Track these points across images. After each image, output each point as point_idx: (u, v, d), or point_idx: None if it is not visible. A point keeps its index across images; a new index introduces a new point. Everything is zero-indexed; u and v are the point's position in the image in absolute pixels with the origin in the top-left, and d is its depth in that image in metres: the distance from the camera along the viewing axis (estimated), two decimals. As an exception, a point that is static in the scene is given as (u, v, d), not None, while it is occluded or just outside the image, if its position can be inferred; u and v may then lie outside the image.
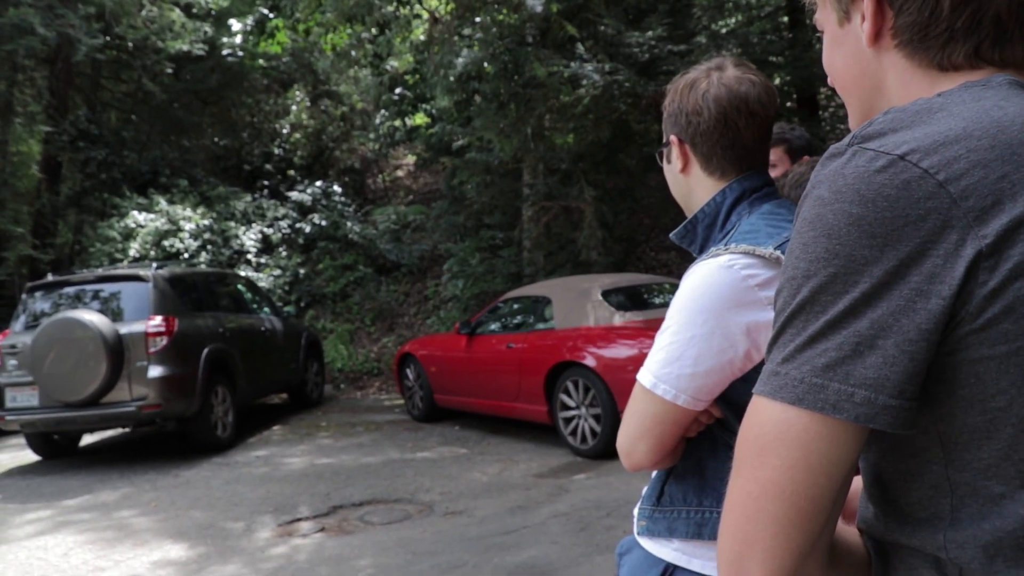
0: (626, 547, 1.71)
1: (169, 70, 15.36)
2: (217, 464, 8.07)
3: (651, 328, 7.24)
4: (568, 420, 7.53)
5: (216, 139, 18.39)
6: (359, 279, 14.87)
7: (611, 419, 7.10)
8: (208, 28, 15.06)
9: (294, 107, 19.00)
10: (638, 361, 7.01)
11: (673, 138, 1.66)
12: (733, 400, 1.50)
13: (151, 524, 6.22)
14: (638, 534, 1.64)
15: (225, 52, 15.94)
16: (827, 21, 1.01)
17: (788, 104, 11.01)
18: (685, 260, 14.34)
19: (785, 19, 11.42)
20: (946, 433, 0.84)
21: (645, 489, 1.71)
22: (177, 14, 14.46)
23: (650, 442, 1.50)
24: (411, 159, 19.77)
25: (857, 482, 1.04)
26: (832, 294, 0.81)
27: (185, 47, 14.67)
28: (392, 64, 15.67)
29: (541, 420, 7.91)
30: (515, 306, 8.83)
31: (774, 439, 0.84)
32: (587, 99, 9.03)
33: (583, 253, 10.50)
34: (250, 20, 15.30)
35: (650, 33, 9.15)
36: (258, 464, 7.97)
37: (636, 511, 1.69)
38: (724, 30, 10.50)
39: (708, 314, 1.44)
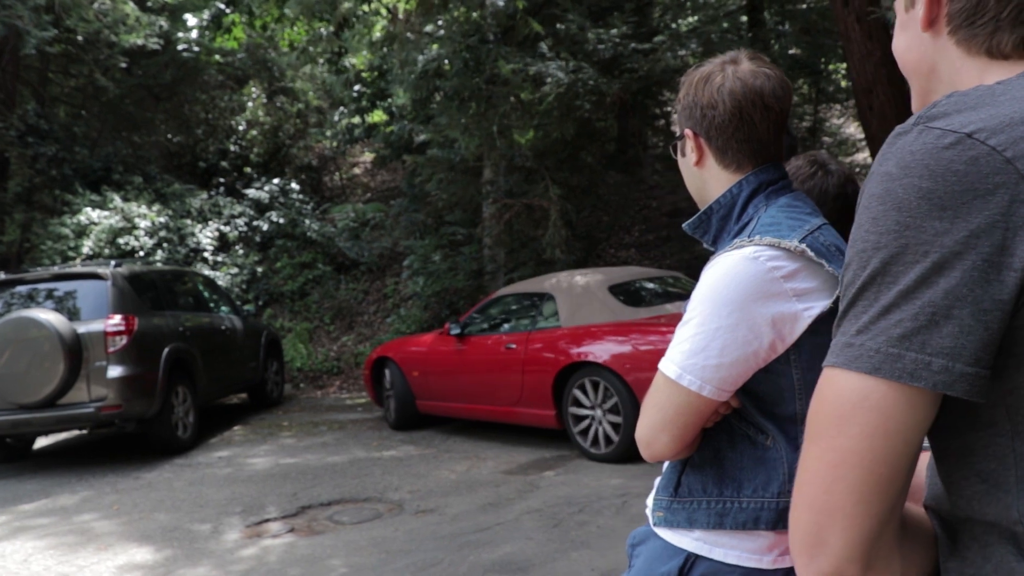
0: (640, 537, 1.71)
1: (122, 65, 15.05)
2: (179, 465, 7.93)
3: (665, 324, 6.95)
4: (580, 423, 7.14)
5: (170, 136, 18.10)
6: (318, 277, 14.74)
7: (632, 421, 6.69)
8: (163, 22, 14.80)
9: (250, 104, 18.76)
10: (659, 358, 6.79)
11: (688, 131, 1.66)
12: (752, 390, 1.51)
13: (114, 527, 6.09)
14: (655, 525, 1.64)
15: (180, 47, 15.67)
16: (899, 6, 1.05)
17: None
18: (645, 258, 14.43)
19: (744, 19, 11.53)
20: (1014, 405, 0.86)
21: (659, 480, 1.71)
22: (131, 7, 14.18)
23: (673, 432, 1.50)
24: (368, 157, 19.64)
25: (922, 460, 1.05)
26: (904, 264, 0.83)
27: (139, 41, 14.40)
28: (351, 61, 15.56)
29: (548, 425, 7.46)
30: (511, 305, 8.32)
31: (852, 408, 0.85)
32: (551, 96, 9.02)
33: (547, 251, 10.50)
34: (206, 15, 15.07)
35: (614, 31, 9.17)
36: (221, 465, 7.85)
37: (650, 502, 1.69)
38: (685, 29, 10.58)
39: (734, 305, 1.44)
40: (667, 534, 1.60)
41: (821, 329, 1.45)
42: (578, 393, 7.11)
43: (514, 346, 7.70)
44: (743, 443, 1.53)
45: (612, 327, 7.13)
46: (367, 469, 7.33)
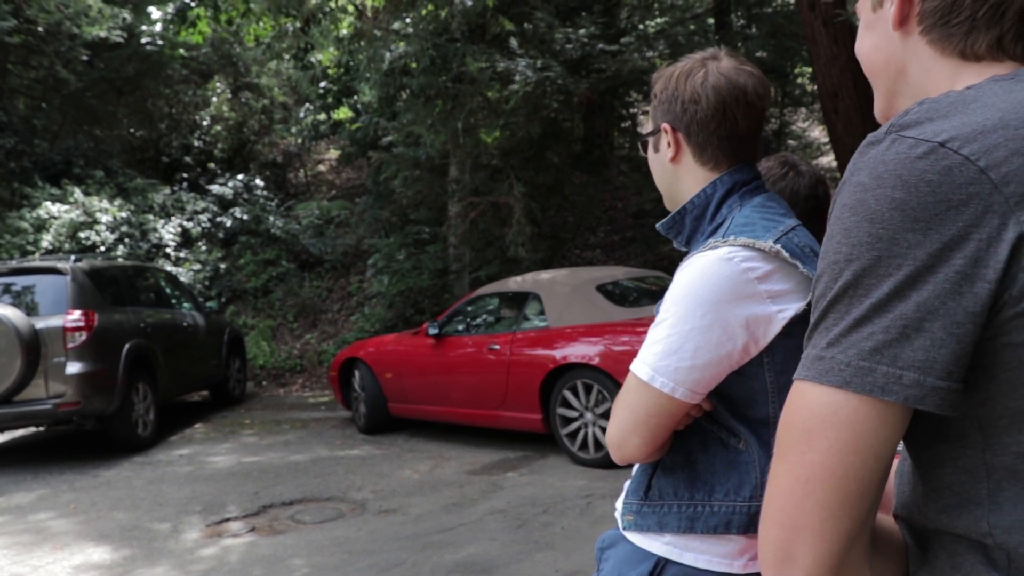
0: (609, 541, 1.70)
1: (84, 57, 14.81)
2: (139, 463, 7.82)
3: (649, 325, 6.83)
4: (568, 426, 6.91)
5: (132, 130, 17.84)
6: (281, 274, 14.61)
7: None
8: (127, 15, 14.58)
9: (214, 99, 18.55)
10: None
11: (666, 126, 1.63)
12: (725, 393, 1.50)
13: (71, 527, 5.99)
14: (624, 529, 1.62)
15: (144, 40, 15.45)
16: (863, 7, 1.03)
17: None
18: (610, 259, 14.47)
19: (711, 21, 11.60)
20: (985, 417, 0.85)
21: (628, 484, 1.69)
22: (94, -1, 13.98)
23: (644, 435, 1.49)
24: (333, 154, 19.51)
25: (892, 467, 1.04)
26: (876, 277, 0.82)
27: (102, 34, 14.18)
28: (317, 57, 15.43)
29: (534, 429, 7.22)
30: (491, 304, 8.09)
31: (822, 422, 0.84)
32: (520, 94, 9.00)
33: (511, 249, 10.48)
34: (171, 8, 14.85)
35: (583, 31, 9.18)
36: (182, 463, 7.75)
37: (620, 505, 1.67)
38: (652, 30, 10.62)
39: (708, 306, 1.43)
40: (637, 538, 1.59)
41: (795, 331, 1.44)
42: (568, 395, 6.89)
43: (498, 347, 7.44)
44: (715, 446, 1.52)
45: (604, 327, 6.91)
46: (330, 468, 7.27)
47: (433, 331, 7.98)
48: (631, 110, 13.07)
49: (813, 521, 0.84)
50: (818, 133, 15.79)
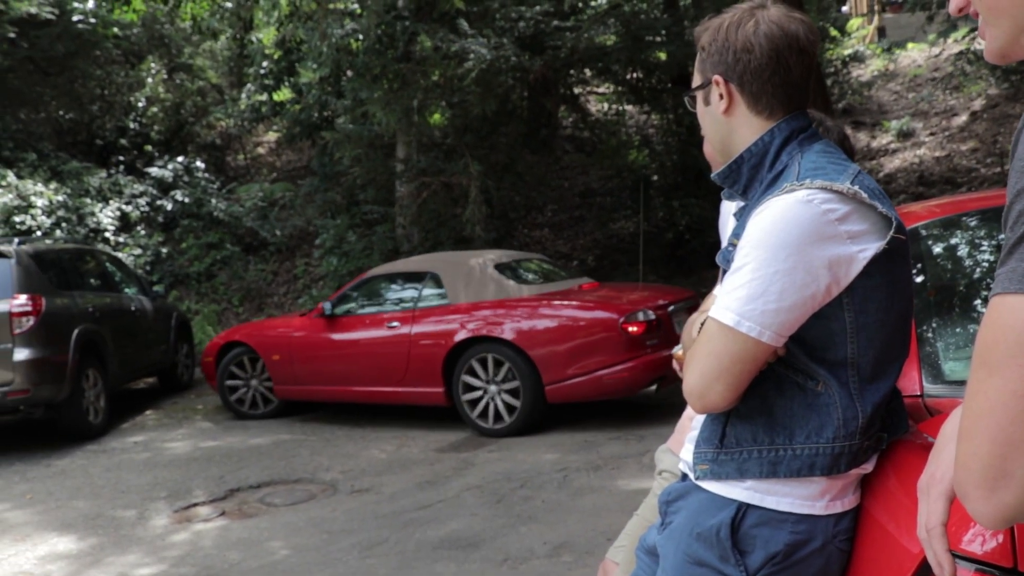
0: (677, 493, 1.67)
1: (10, 35, 14.22)
2: (92, 452, 7.59)
3: (559, 299, 7.25)
4: (473, 399, 7.16)
5: (61, 112, 17.22)
6: (225, 258, 14.28)
7: (532, 394, 6.90)
8: (58, -10, 14.06)
9: (149, 80, 18.03)
10: (556, 332, 7.08)
11: (717, 78, 1.61)
12: (801, 336, 1.49)
13: (29, 517, 5.79)
14: (698, 478, 1.60)
15: (76, 18, 14.90)
16: None
17: (669, 83, 11.22)
18: (559, 238, 14.49)
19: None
20: None
21: (695, 433, 1.67)
22: (22, -26, 13.44)
23: (728, 381, 1.47)
24: (272, 136, 19.15)
25: None
26: None
27: (32, 10, 13.65)
28: (257, 36, 15.11)
29: (436, 403, 7.46)
30: (386, 284, 8.18)
31: None
32: (475, 72, 8.91)
33: (467, 228, 10.41)
34: (105, -16, 14.40)
35: (537, 8, 9.12)
36: (138, 450, 7.55)
37: (689, 456, 1.65)
38: (604, 7, 10.60)
39: (791, 249, 1.42)
40: (714, 486, 1.57)
41: (873, 271, 1.45)
42: (472, 369, 7.14)
43: (397, 324, 7.58)
44: (792, 389, 1.51)
45: (506, 303, 7.26)
46: (293, 451, 7.15)
47: (327, 311, 7.99)
48: (586, 87, 13.05)
49: None
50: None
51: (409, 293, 7.90)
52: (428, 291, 7.73)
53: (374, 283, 8.23)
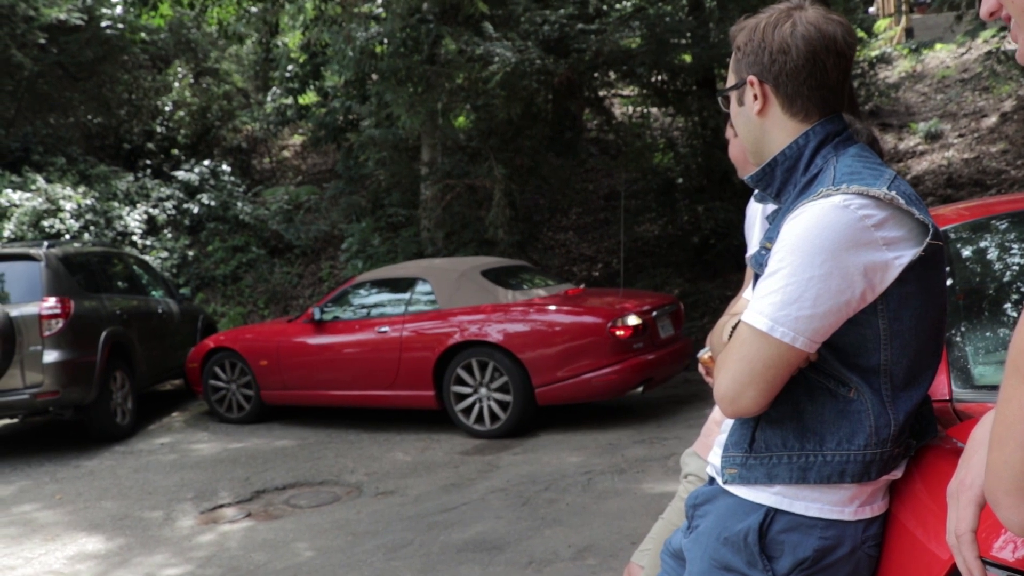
0: (704, 497, 1.67)
1: (41, 41, 14.39)
2: (120, 453, 7.66)
3: (539, 306, 7.36)
4: (463, 402, 7.31)
5: (90, 116, 17.39)
6: (251, 261, 14.37)
7: (523, 396, 7.03)
8: (87, -4, 14.21)
9: (176, 84, 18.19)
10: (545, 336, 7.15)
11: (752, 78, 1.60)
12: (834, 342, 1.47)
13: (59, 517, 5.86)
14: (726, 483, 1.59)
15: (104, 24, 15.04)
16: None
17: (694, 86, 11.17)
18: (584, 240, 14.46)
19: (684, 1, 11.58)
20: None
21: (723, 437, 1.67)
22: (52, -20, 13.59)
23: (760, 386, 1.46)
24: (297, 140, 19.26)
25: None
26: None
27: (61, 16, 13.80)
28: (283, 40, 15.20)
29: (426, 406, 7.57)
30: (375, 290, 8.22)
31: None
32: (499, 75, 8.92)
33: (490, 231, 10.41)
34: (132, -11, 14.53)
35: (562, 11, 9.12)
36: (165, 451, 7.61)
37: (718, 460, 1.65)
38: (626, 12, 10.57)
39: (826, 254, 1.41)
40: (742, 490, 1.56)
41: (909, 278, 1.44)
42: (462, 373, 7.27)
43: (387, 329, 7.68)
44: (823, 396, 1.51)
45: (497, 307, 7.38)
46: (319, 452, 7.18)
47: (316, 317, 8.06)
48: (610, 90, 13.02)
49: None
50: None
51: (399, 298, 7.97)
52: (418, 296, 7.82)
53: (362, 289, 8.29)
